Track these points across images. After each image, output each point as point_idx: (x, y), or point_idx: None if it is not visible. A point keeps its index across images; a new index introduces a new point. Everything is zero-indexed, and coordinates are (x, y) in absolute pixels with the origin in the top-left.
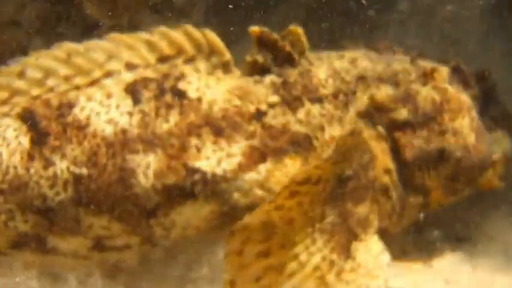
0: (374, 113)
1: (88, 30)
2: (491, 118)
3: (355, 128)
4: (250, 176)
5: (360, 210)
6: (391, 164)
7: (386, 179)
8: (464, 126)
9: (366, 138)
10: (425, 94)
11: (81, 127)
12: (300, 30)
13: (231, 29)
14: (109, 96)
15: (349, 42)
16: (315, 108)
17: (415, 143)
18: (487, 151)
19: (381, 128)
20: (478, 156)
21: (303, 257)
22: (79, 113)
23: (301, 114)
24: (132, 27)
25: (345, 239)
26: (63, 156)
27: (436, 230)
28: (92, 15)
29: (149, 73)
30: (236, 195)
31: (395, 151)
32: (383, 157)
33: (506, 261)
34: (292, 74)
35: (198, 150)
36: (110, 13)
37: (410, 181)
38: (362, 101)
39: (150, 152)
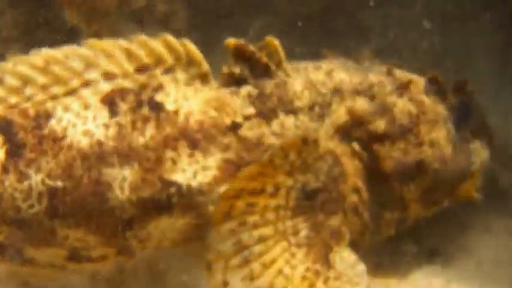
0: (351, 126)
1: (68, 37)
2: (470, 129)
3: (306, 135)
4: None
5: (332, 223)
6: (361, 183)
7: (355, 198)
8: (441, 138)
9: (338, 153)
10: (402, 106)
11: (57, 139)
12: (276, 41)
13: (212, 37)
14: (86, 107)
15: (328, 51)
16: (290, 120)
17: (394, 155)
18: (465, 162)
19: (355, 145)
20: (455, 167)
21: (286, 270)
22: (56, 125)
23: (275, 126)
24: (112, 34)
25: (323, 250)
26: (38, 169)
27: (412, 243)
28: (72, 22)
29: (127, 83)
30: (211, 208)
31: (374, 164)
32: (354, 175)
33: (480, 275)
34: (269, 85)
35: (174, 163)
36: (89, 20)
37: (389, 194)
38: (338, 113)
39: (126, 165)
